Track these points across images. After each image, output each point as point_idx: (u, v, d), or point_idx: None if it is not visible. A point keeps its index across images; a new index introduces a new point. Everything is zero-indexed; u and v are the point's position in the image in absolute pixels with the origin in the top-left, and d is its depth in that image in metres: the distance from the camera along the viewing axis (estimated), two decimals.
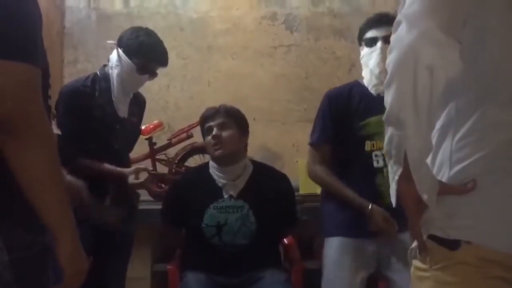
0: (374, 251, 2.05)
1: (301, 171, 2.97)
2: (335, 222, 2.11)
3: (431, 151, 0.96)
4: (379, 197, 1.99)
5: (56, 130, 1.83)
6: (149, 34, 2.22)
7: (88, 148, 2.12)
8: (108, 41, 2.27)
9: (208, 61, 3.56)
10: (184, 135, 3.06)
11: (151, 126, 2.99)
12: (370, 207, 1.98)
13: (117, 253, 2.25)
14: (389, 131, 0.94)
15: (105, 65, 2.26)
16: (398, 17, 0.93)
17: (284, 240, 2.55)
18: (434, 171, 0.97)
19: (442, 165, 0.96)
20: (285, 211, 2.36)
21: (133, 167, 2.25)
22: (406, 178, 0.91)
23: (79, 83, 2.21)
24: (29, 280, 1.02)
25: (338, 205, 2.09)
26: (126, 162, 2.33)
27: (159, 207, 2.46)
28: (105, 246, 2.16)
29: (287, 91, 3.54)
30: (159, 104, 3.45)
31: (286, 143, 3.47)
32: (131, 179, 2.14)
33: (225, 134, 2.27)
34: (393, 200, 0.95)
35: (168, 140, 3.13)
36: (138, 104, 2.38)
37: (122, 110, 2.24)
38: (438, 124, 0.98)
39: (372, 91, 2.10)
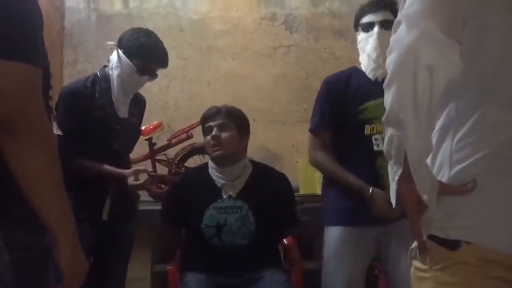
0: (374, 238, 2.06)
1: (301, 172, 2.97)
2: (336, 208, 2.11)
3: (431, 151, 0.96)
4: (379, 179, 1.98)
5: (57, 131, 1.83)
6: (149, 35, 2.22)
7: (88, 149, 2.12)
8: (108, 42, 2.28)
9: (208, 62, 3.56)
10: (184, 135, 3.05)
11: (151, 127, 2.98)
12: (370, 190, 1.98)
13: (117, 253, 2.25)
14: (389, 132, 0.94)
15: (105, 66, 2.26)
16: (398, 17, 0.93)
17: (284, 240, 2.55)
18: (434, 171, 0.97)
19: (442, 165, 0.96)
20: (285, 211, 2.36)
21: (133, 168, 2.26)
22: (406, 178, 0.91)
23: (79, 84, 2.21)
24: (29, 281, 1.02)
25: (339, 191, 2.09)
26: (126, 162, 2.33)
27: (159, 207, 2.46)
28: (105, 247, 2.17)
29: (287, 91, 3.53)
30: (159, 104, 3.45)
31: (286, 144, 3.46)
32: (131, 180, 2.15)
33: (224, 135, 2.26)
34: (393, 200, 0.96)
35: (168, 140, 3.12)
36: (138, 104, 2.38)
37: (122, 111, 2.24)
38: (438, 125, 0.98)
39: (370, 75, 2.10)
